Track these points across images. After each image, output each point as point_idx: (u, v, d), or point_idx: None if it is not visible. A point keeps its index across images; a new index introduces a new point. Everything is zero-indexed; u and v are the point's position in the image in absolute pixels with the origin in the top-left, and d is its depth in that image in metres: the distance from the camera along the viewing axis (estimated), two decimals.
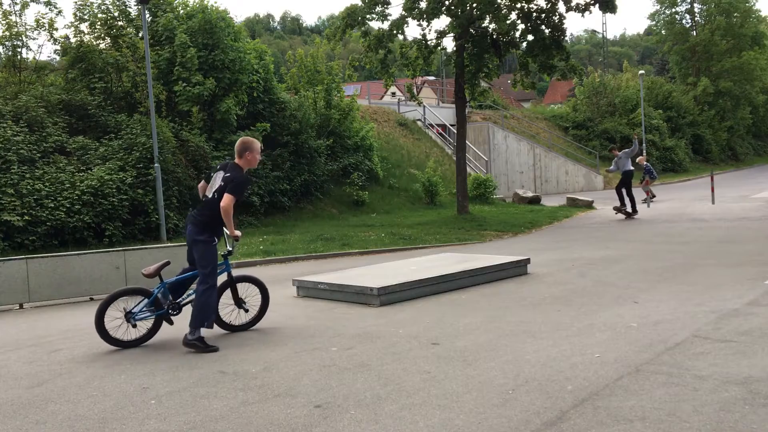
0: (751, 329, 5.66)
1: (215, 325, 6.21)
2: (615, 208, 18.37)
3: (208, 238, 5.91)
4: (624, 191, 17.79)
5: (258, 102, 19.95)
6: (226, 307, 6.41)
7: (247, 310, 6.48)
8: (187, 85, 17.53)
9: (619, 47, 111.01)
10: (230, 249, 6.19)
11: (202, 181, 6.29)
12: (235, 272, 6.60)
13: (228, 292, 6.39)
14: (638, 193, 21.63)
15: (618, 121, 38.93)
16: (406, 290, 7.82)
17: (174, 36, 18.17)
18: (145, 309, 6.09)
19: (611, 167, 18.69)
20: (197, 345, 5.78)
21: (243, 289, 6.51)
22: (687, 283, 8.06)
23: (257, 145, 6.09)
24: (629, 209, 17.79)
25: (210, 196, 5.96)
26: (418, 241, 14.46)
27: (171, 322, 6.19)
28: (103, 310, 5.97)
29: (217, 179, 5.97)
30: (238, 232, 5.97)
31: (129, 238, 14.81)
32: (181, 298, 6.20)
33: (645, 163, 22.70)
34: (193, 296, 6.07)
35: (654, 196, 22.39)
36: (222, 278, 6.27)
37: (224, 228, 6.03)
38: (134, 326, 6.05)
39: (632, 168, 18.03)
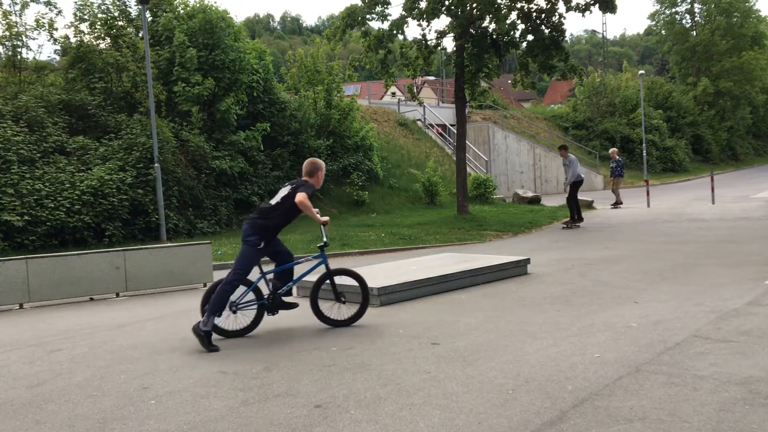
0: (751, 329, 5.66)
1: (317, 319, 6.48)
2: (565, 224, 16.55)
3: (256, 240, 6.09)
4: (570, 200, 16.41)
5: (258, 102, 19.94)
6: (327, 302, 6.50)
7: (344, 302, 6.53)
8: (186, 85, 17.53)
9: (619, 47, 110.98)
10: (326, 241, 6.43)
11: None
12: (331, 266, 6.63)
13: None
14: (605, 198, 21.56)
15: (618, 121, 38.94)
16: (406, 290, 7.83)
17: (173, 36, 18.18)
18: (247, 299, 6.29)
19: (569, 177, 16.21)
20: (202, 338, 5.85)
21: (341, 282, 6.59)
22: (687, 283, 8.06)
23: (323, 164, 6.58)
24: (575, 218, 16.36)
25: (273, 203, 6.24)
26: (418, 241, 14.46)
27: (274, 313, 6.41)
28: (207, 299, 6.12)
29: (284, 191, 6.32)
30: (325, 218, 6.30)
31: (129, 238, 14.81)
32: (279, 290, 6.38)
33: (616, 157, 22.05)
34: (286, 288, 6.38)
35: (621, 203, 21.58)
36: (321, 270, 6.51)
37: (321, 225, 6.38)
38: (234, 312, 6.22)
39: (583, 177, 16.62)
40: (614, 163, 22.17)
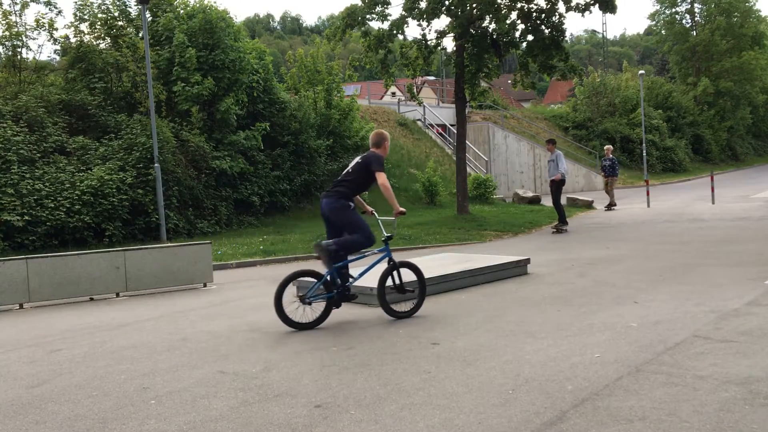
0: (751, 329, 5.66)
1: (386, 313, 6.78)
2: (554, 228, 15.76)
3: (345, 203, 6.55)
4: (556, 203, 15.61)
5: (258, 102, 19.95)
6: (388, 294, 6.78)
7: (412, 291, 6.85)
8: (186, 85, 17.53)
9: (619, 47, 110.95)
10: (390, 234, 6.76)
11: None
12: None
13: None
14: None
15: (618, 121, 38.94)
16: None
17: (172, 36, 18.18)
18: (318, 291, 6.53)
19: (558, 170, 15.20)
20: (327, 255, 6.37)
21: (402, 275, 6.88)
22: (687, 283, 8.06)
23: (389, 135, 7.01)
24: (564, 221, 15.66)
25: (344, 173, 6.78)
26: (418, 241, 14.46)
27: (338, 306, 6.68)
28: (281, 292, 6.33)
29: (354, 162, 6.84)
30: (402, 209, 6.61)
31: (129, 238, 14.82)
32: (348, 282, 6.72)
33: (610, 155, 21.05)
34: (353, 281, 6.78)
35: (614, 205, 20.74)
36: (384, 265, 6.82)
37: (376, 215, 6.99)
38: (309, 304, 6.46)
39: (566, 177, 15.59)
40: (608, 161, 21.16)
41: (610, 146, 22.25)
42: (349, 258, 6.70)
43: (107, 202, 14.40)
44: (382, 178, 6.51)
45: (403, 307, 6.87)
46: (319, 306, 6.53)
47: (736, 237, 12.61)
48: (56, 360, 5.75)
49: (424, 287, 6.98)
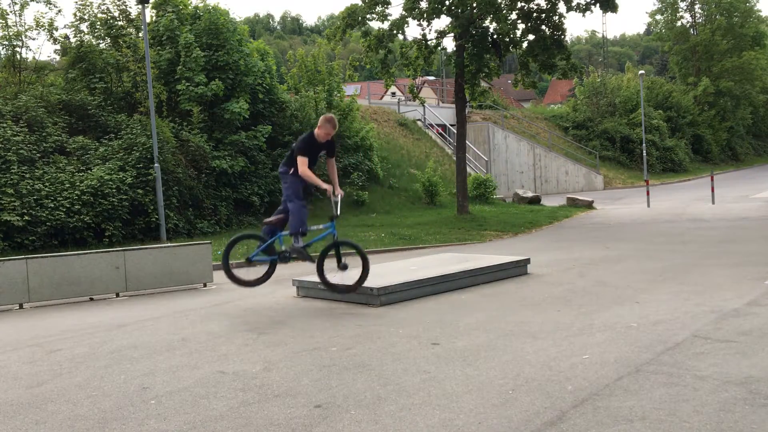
0: (751, 329, 5.66)
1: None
2: None
3: None
4: None
5: (258, 102, 19.94)
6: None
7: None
8: (189, 84, 17.51)
9: (619, 47, 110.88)
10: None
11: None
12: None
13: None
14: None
15: (618, 121, 38.93)
16: (406, 290, 7.82)
17: (175, 36, 18.17)
18: (260, 253, 7.42)
19: None
20: (301, 252, 7.27)
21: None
22: (687, 283, 8.05)
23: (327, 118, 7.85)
24: None
25: None
26: (418, 241, 14.46)
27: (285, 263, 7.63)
28: (228, 253, 7.30)
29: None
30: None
31: (129, 238, 14.81)
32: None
33: None
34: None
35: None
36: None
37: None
38: (253, 265, 7.43)
39: None
40: None
41: None
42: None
43: (107, 202, 14.40)
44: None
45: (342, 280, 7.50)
46: (263, 267, 7.49)
47: (736, 237, 12.61)
48: (56, 360, 5.75)
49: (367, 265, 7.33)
